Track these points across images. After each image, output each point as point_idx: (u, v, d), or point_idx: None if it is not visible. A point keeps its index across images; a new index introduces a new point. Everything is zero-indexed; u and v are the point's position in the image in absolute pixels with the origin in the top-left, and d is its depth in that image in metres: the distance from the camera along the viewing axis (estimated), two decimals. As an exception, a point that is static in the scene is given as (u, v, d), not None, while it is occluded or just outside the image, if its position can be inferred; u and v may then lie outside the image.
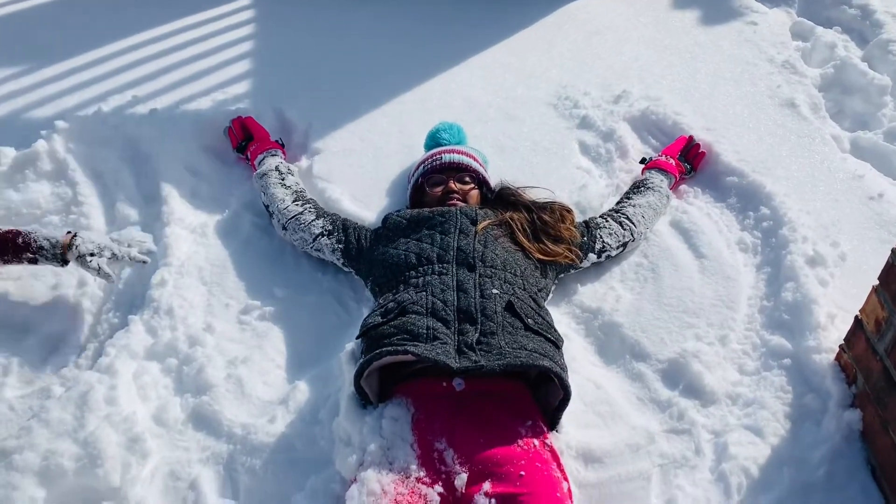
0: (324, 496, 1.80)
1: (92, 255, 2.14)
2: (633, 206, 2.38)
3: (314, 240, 2.29)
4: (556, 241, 2.21)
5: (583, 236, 2.27)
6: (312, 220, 2.31)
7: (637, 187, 2.47)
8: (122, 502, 1.76)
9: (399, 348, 1.80)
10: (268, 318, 2.20)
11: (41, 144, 2.54)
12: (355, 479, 1.70)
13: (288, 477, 1.85)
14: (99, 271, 2.14)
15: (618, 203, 2.44)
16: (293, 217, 2.33)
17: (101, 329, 2.21)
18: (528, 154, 2.67)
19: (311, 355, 2.13)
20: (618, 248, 2.31)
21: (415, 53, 3.13)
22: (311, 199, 2.44)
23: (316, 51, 3.11)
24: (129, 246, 2.19)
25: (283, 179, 2.45)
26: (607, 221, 2.32)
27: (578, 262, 2.24)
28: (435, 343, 1.82)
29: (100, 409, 1.90)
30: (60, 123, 2.62)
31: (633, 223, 2.33)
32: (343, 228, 2.30)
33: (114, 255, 2.16)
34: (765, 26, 3.29)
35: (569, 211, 2.32)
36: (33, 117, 2.77)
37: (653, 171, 2.51)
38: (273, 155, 2.55)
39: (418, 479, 1.69)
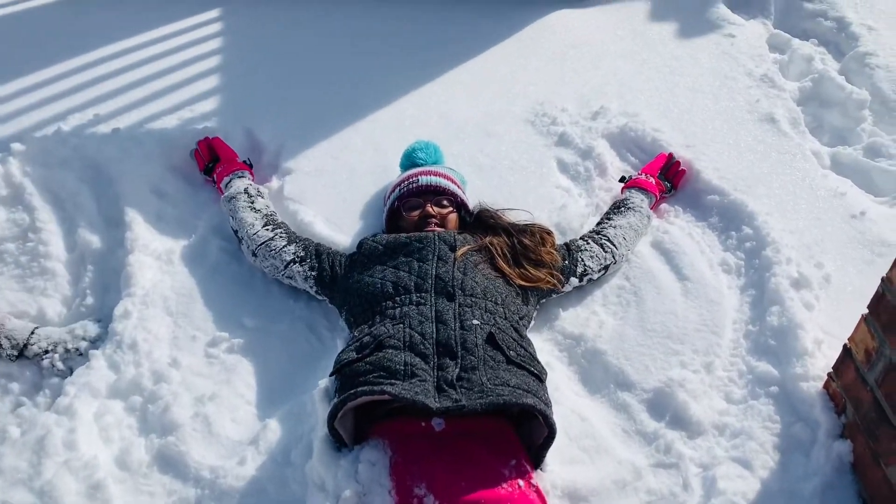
0: (297, 542, 1.72)
1: (46, 352, 2.08)
2: (614, 227, 2.32)
3: (286, 267, 2.20)
4: (538, 266, 2.15)
5: (564, 260, 2.20)
6: (284, 246, 2.22)
7: (617, 207, 2.41)
8: (82, 555, 1.66)
9: (375, 388, 1.71)
10: (237, 350, 2.11)
11: (-5, 167, 2.42)
12: (330, 527, 1.62)
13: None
14: (52, 368, 2.07)
15: (598, 224, 2.38)
16: (263, 243, 2.24)
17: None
18: (507, 173, 2.60)
19: (282, 390, 2.04)
20: (599, 271, 2.25)
21: (388, 70, 3.04)
22: (282, 223, 2.34)
23: (287, 67, 3.01)
24: (83, 339, 2.12)
25: (252, 202, 2.35)
26: (588, 244, 2.26)
27: (560, 286, 2.17)
28: (413, 381, 1.74)
29: (58, 455, 1.80)
30: (16, 146, 2.50)
31: (614, 245, 2.27)
32: (316, 254, 2.21)
33: (67, 350, 2.09)
34: (742, 39, 3.26)
35: (549, 233, 2.26)
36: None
37: (633, 191, 2.46)
38: (241, 177, 2.45)
39: (395, 527, 1.61)
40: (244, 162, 2.53)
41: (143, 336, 2.10)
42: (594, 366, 2.08)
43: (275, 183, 2.58)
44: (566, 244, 2.26)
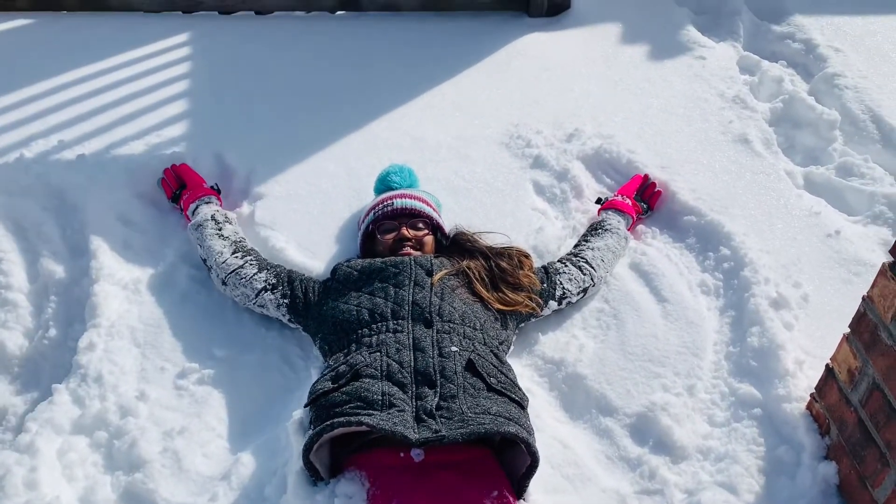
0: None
1: None
2: (592, 249, 2.30)
3: (257, 295, 2.14)
4: (516, 290, 2.11)
5: (542, 283, 2.17)
6: (254, 274, 2.16)
7: (594, 229, 2.39)
8: None
9: (352, 419, 1.66)
10: (207, 381, 2.04)
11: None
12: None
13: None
14: None
15: (575, 246, 2.36)
16: (233, 271, 2.18)
17: (20, 400, 2.01)
18: (482, 196, 2.58)
19: (255, 422, 1.97)
20: (578, 293, 2.22)
21: (360, 92, 3.01)
22: (252, 249, 2.28)
23: (256, 91, 2.96)
24: None
25: (220, 229, 2.29)
26: (566, 266, 2.23)
27: (539, 310, 2.13)
28: (391, 411, 1.69)
29: (18, 496, 1.72)
30: (-25, 173, 2.42)
31: (592, 267, 2.24)
32: (288, 282, 2.15)
33: None
34: (713, 60, 3.28)
35: (527, 256, 2.23)
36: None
37: (609, 212, 2.44)
38: (207, 202, 2.39)
39: (374, 564, 1.55)
40: (212, 187, 2.47)
41: (108, 368, 2.02)
42: (575, 391, 2.05)
43: (245, 208, 2.52)
44: (544, 267, 2.23)
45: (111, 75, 2.98)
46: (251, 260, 2.21)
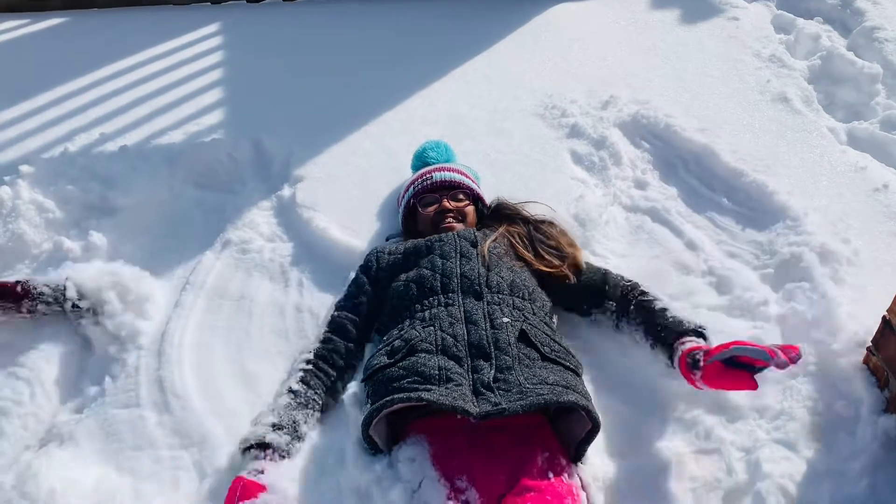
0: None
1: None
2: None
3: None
4: (557, 254, 2.09)
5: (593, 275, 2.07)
6: (338, 376, 1.94)
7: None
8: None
9: (412, 394, 1.66)
10: (262, 358, 2.06)
11: (4, 191, 2.39)
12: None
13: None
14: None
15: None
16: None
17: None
18: (520, 168, 2.57)
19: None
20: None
21: (393, 71, 3.02)
22: (313, 363, 1.93)
23: (290, 75, 2.99)
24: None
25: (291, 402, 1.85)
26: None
27: (572, 279, 2.06)
28: (449, 385, 1.69)
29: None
30: (25, 167, 2.46)
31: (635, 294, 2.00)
32: (356, 335, 1.99)
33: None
34: (746, 21, 3.23)
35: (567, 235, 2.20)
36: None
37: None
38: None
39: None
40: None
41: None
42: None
43: (286, 192, 2.54)
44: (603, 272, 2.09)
45: (147, 67, 3.03)
46: (324, 375, 1.91)
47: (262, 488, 1.64)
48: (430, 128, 2.73)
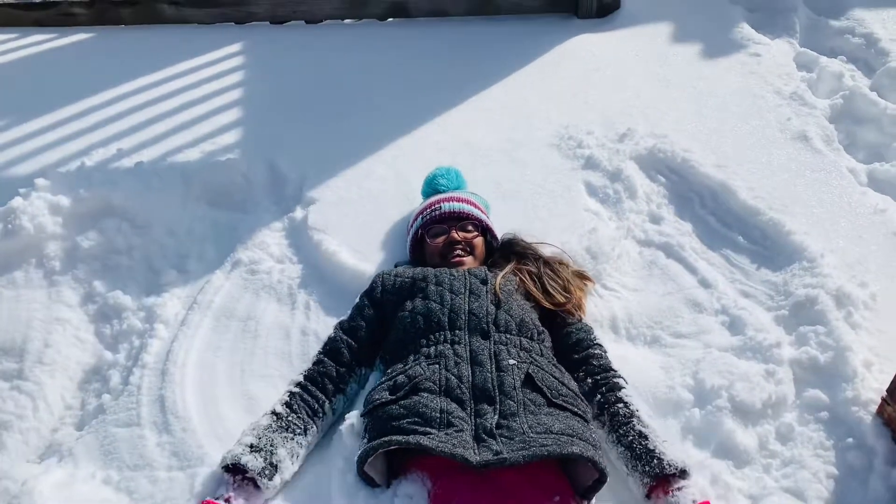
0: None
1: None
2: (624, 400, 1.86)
3: (362, 386, 2.00)
4: (565, 293, 2.07)
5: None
6: (333, 392, 1.91)
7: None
8: None
9: (411, 439, 1.64)
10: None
11: (17, 202, 2.40)
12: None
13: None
14: None
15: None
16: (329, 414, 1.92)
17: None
18: (533, 198, 2.55)
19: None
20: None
21: (408, 96, 3.02)
22: (294, 396, 1.87)
23: (306, 98, 3.00)
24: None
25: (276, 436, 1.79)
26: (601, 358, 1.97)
27: (577, 317, 2.06)
28: (450, 431, 1.66)
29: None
30: (40, 181, 2.48)
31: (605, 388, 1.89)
32: (349, 361, 1.96)
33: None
34: (768, 58, 3.21)
35: (585, 276, 2.18)
36: (11, 175, 2.64)
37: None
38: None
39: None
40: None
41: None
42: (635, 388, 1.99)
43: (298, 213, 2.53)
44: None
45: (167, 85, 3.07)
46: (328, 403, 1.90)
47: None
48: (443, 154, 2.72)
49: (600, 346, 1.99)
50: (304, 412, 1.83)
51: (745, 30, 3.38)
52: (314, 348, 2.09)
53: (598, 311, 2.17)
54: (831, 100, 3.02)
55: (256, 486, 1.69)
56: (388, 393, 1.77)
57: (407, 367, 1.83)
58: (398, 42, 3.36)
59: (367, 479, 1.70)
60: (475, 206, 2.27)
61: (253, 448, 1.72)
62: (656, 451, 1.70)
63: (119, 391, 2.05)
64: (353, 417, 1.83)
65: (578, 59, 3.28)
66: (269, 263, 2.39)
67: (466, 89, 3.06)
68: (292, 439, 1.78)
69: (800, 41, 3.40)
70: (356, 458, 1.69)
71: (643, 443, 1.73)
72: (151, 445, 1.89)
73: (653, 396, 1.96)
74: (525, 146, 2.77)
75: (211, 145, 2.78)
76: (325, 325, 2.16)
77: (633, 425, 1.77)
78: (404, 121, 2.89)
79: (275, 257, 2.42)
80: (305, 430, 1.81)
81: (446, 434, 1.65)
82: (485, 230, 2.25)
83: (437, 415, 1.69)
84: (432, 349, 1.86)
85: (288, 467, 1.75)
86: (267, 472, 1.70)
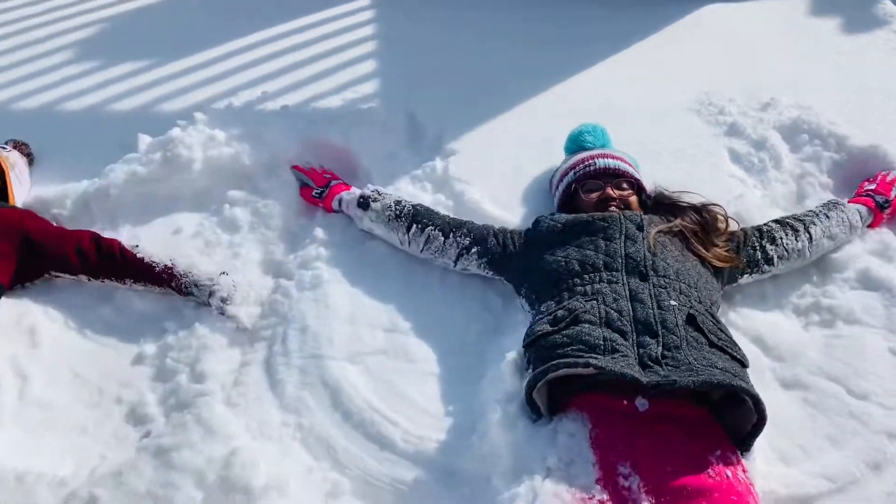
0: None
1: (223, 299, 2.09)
2: (815, 218, 2.18)
3: (455, 263, 2.17)
4: (729, 246, 2.06)
5: (751, 245, 2.10)
6: (444, 242, 2.17)
7: (825, 206, 2.25)
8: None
9: (579, 360, 1.67)
10: (415, 332, 2.10)
11: (176, 132, 2.48)
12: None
13: (451, 492, 1.74)
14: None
15: (801, 215, 2.22)
16: (423, 248, 2.20)
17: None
18: (674, 161, 2.53)
19: (465, 366, 2.01)
20: (784, 259, 2.12)
21: (544, 61, 3.01)
22: (423, 215, 2.24)
23: (446, 52, 3.03)
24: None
25: (385, 214, 2.25)
26: (781, 229, 2.15)
27: (752, 271, 2.08)
28: (615, 356, 1.69)
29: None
30: (199, 115, 2.57)
31: (809, 234, 2.13)
32: (482, 239, 2.15)
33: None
34: (912, 35, 3.11)
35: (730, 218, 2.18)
36: (168, 109, 2.75)
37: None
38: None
39: (601, 502, 1.57)
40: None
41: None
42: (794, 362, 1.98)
43: (438, 164, 2.56)
44: (758, 228, 2.16)
45: (308, 32, 3.14)
46: (432, 229, 2.19)
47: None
48: (582, 114, 2.68)
49: (767, 224, 2.14)
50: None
51: (888, 6, 3.27)
52: (458, 288, 2.16)
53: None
54: (982, 79, 2.91)
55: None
56: (548, 325, 1.80)
57: (564, 303, 1.86)
58: (530, 13, 3.34)
59: (533, 409, 1.74)
60: (628, 164, 2.27)
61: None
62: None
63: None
64: (513, 354, 1.87)
65: (711, 28, 3.23)
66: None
67: (601, 55, 3.04)
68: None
69: (945, 20, 3.28)
70: (524, 385, 1.72)
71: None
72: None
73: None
74: (664, 110, 2.75)
75: (352, 93, 2.83)
76: (466, 279, 2.21)
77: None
78: (541, 82, 2.89)
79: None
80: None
81: (612, 358, 1.67)
82: (639, 189, 2.25)
83: (601, 342, 1.71)
84: (588, 287, 1.88)
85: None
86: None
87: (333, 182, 2.40)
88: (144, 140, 2.49)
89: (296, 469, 1.79)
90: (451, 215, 2.31)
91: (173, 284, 2.11)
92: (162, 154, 2.40)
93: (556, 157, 2.49)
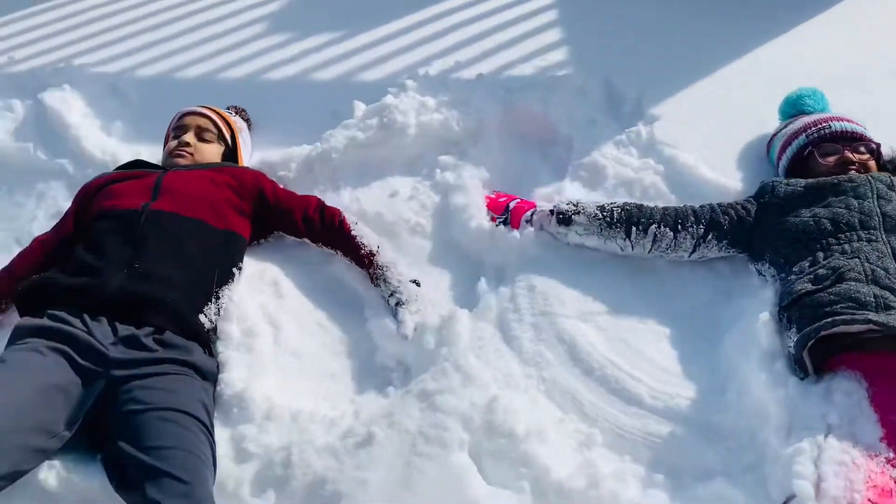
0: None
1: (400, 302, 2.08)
2: None
3: (690, 256, 2.10)
4: None
5: None
6: (674, 237, 2.06)
7: None
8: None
9: (856, 316, 1.64)
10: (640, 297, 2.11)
11: (390, 99, 2.55)
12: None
13: (714, 446, 1.74)
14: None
15: None
16: (651, 249, 2.10)
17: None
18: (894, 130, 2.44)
19: (697, 328, 2.01)
20: None
21: (740, 24, 2.94)
22: (632, 210, 2.12)
23: (633, 17, 3.00)
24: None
25: (599, 221, 2.11)
26: None
27: None
28: (890, 313, 1.65)
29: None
30: (409, 82, 2.63)
31: None
32: (711, 222, 2.06)
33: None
34: None
35: None
36: (373, 77, 2.82)
37: None
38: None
39: (888, 461, 1.54)
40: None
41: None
42: None
43: (642, 129, 2.53)
44: None
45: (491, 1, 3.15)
46: (656, 227, 2.07)
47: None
48: (783, 81, 2.63)
49: None
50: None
51: None
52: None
53: None
54: None
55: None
56: (810, 284, 1.77)
57: (821, 262, 1.82)
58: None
59: (801, 367, 1.72)
60: (863, 128, 2.21)
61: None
62: None
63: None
64: (766, 314, 1.85)
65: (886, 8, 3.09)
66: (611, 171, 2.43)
67: (795, 20, 2.95)
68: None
69: None
70: (793, 343, 1.71)
71: None
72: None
73: None
74: (872, 77, 2.65)
75: (542, 61, 2.84)
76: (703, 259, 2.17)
77: None
78: (731, 47, 2.83)
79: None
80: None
81: (887, 315, 1.63)
82: (878, 154, 2.18)
83: (872, 299, 1.67)
84: (846, 246, 1.84)
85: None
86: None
87: (511, 204, 2.29)
88: (360, 107, 2.56)
89: (548, 419, 1.82)
90: (664, 187, 2.31)
91: (370, 271, 2.15)
92: (378, 120, 2.47)
93: (765, 124, 2.45)
